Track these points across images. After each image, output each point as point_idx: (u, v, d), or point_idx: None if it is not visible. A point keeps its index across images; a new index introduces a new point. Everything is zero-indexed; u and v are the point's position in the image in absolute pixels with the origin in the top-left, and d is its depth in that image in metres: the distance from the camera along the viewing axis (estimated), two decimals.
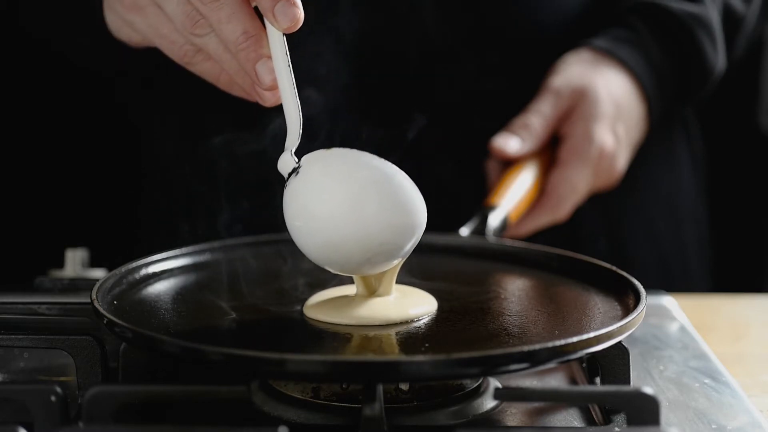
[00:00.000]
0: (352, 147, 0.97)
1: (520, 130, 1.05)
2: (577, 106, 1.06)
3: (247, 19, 0.77)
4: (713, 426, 0.72)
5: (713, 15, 1.12)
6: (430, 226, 0.96)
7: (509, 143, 1.04)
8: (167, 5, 0.81)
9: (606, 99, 1.06)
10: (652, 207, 1.20)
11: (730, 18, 1.14)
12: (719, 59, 1.13)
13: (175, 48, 0.83)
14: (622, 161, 1.09)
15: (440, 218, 0.98)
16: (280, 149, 0.77)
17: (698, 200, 1.27)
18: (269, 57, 0.76)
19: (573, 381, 0.81)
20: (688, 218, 1.25)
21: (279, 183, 0.81)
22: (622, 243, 1.18)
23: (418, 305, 0.78)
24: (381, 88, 1.08)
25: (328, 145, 0.79)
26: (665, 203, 1.22)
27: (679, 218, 1.24)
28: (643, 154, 1.14)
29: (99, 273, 0.97)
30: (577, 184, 1.06)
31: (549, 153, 1.07)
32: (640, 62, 1.09)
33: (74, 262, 0.98)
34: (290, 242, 0.93)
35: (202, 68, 0.83)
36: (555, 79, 1.07)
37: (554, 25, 1.12)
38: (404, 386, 0.72)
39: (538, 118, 1.05)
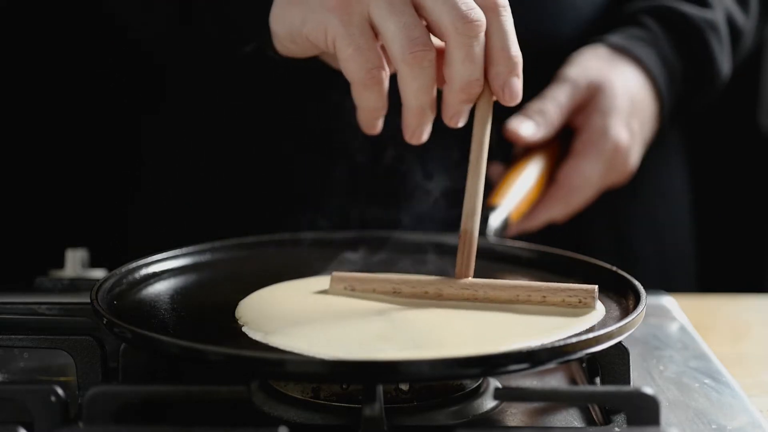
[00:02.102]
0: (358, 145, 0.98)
1: (535, 115, 1.04)
2: (593, 99, 1.06)
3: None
4: (713, 426, 0.72)
5: (722, 22, 1.12)
6: (431, 227, 0.96)
7: (523, 127, 1.03)
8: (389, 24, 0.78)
9: (622, 94, 1.06)
10: (653, 202, 1.20)
11: (732, 30, 1.15)
12: (725, 64, 1.13)
13: (362, 67, 0.80)
14: (635, 157, 1.08)
15: (441, 218, 0.98)
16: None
17: (687, 195, 1.27)
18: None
19: (573, 381, 0.81)
20: (683, 213, 1.25)
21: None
22: (625, 241, 1.18)
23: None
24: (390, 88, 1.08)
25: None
26: (662, 199, 1.22)
27: (676, 214, 1.24)
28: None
29: (99, 273, 0.97)
30: (590, 176, 1.05)
31: (556, 146, 1.07)
32: (654, 60, 1.09)
33: (74, 262, 0.98)
34: (291, 242, 0.93)
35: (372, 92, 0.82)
36: (571, 70, 1.07)
37: (565, 34, 1.12)
38: (404, 386, 0.72)
39: (553, 106, 1.04)
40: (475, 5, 0.77)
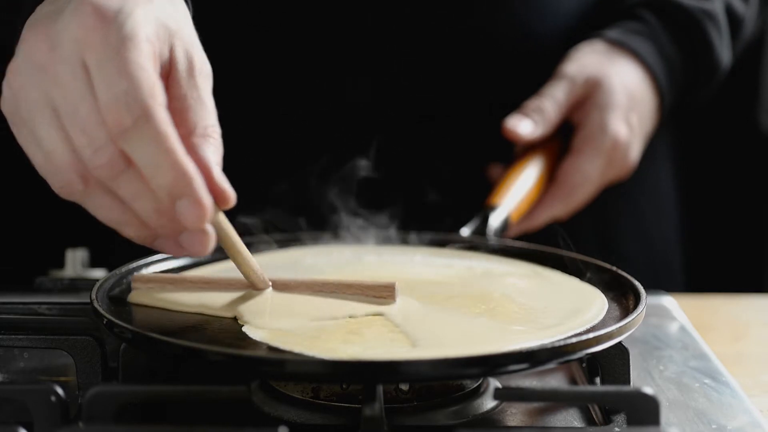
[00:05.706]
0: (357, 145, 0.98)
1: (533, 113, 1.04)
2: (591, 95, 1.06)
3: None
4: (713, 426, 0.72)
5: (720, 11, 1.12)
6: (432, 226, 0.97)
7: (521, 125, 1.03)
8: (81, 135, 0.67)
9: (620, 89, 1.06)
10: (640, 202, 1.20)
11: (731, 18, 1.14)
12: (725, 55, 1.13)
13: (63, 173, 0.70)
14: (635, 152, 1.08)
15: (441, 218, 0.98)
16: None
17: (678, 193, 1.26)
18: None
19: (573, 381, 0.81)
20: (672, 213, 1.25)
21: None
22: (610, 240, 1.18)
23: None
24: (385, 91, 1.08)
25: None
26: (650, 198, 1.21)
27: (664, 214, 1.23)
28: None
29: (99, 273, 0.97)
30: (590, 174, 1.05)
31: (555, 144, 1.07)
32: (652, 54, 1.09)
33: (74, 262, 0.98)
34: (291, 242, 0.93)
35: (94, 203, 0.70)
36: (569, 66, 1.07)
37: (556, 33, 1.12)
38: (404, 386, 0.72)
39: (551, 103, 1.04)
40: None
